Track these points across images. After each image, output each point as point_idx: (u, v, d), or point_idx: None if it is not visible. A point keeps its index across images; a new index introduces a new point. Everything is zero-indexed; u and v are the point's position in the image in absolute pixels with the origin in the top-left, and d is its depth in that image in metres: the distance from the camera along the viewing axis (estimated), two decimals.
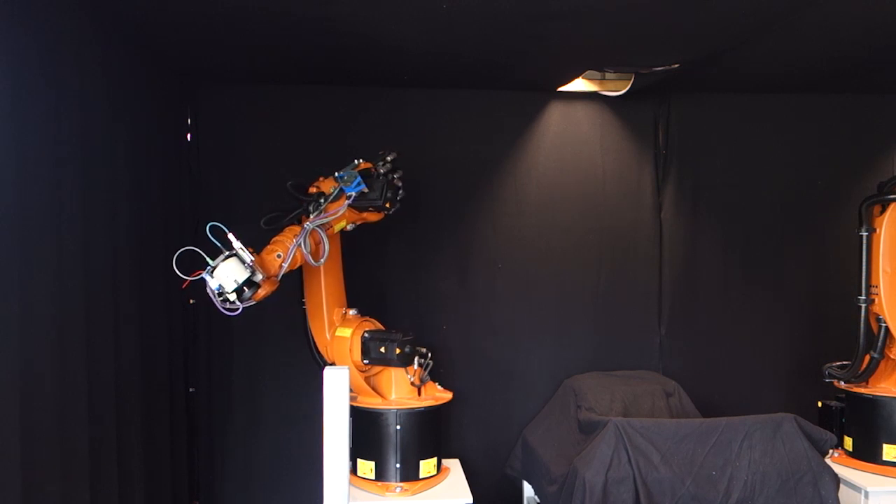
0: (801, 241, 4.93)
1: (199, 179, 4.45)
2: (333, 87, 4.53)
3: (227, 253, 3.03)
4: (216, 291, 3.03)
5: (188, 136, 4.42)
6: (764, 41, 3.60)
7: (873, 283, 3.98)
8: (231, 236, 3.06)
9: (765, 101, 4.86)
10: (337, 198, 3.55)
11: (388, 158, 3.70)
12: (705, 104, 4.86)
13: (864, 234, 3.99)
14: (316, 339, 3.90)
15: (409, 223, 4.58)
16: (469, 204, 4.71)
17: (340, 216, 3.58)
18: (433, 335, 4.55)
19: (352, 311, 3.90)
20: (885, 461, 3.94)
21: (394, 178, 3.68)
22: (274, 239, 3.41)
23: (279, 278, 3.31)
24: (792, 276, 4.93)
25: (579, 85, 4.62)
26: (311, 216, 3.47)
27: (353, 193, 3.52)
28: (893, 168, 4.93)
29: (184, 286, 3.01)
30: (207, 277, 3.00)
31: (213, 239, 3.02)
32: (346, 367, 3.35)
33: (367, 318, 3.92)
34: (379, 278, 4.59)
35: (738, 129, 4.91)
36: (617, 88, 4.66)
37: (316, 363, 3.94)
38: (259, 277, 3.08)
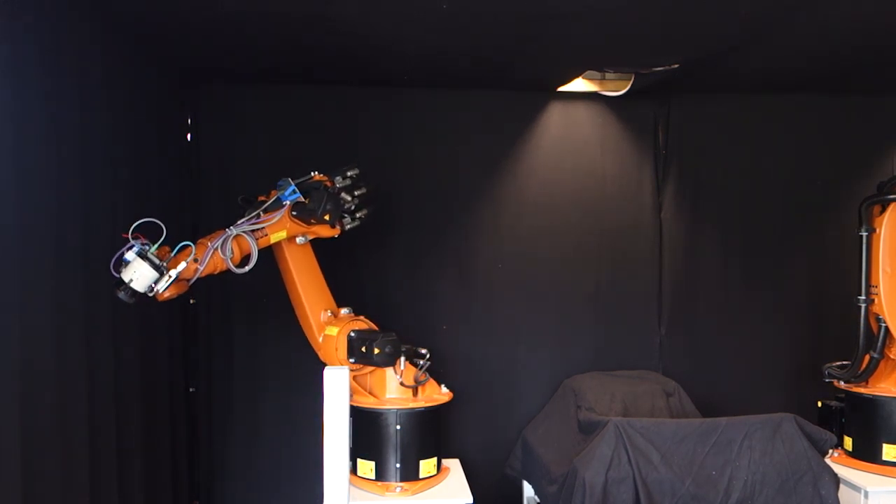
0: (801, 241, 4.94)
1: (199, 179, 4.45)
2: (333, 87, 4.53)
3: (162, 265, 3.02)
4: (120, 259, 3.00)
5: (188, 136, 4.42)
6: (764, 41, 3.61)
7: (873, 283, 3.98)
8: (181, 265, 3.07)
9: (765, 101, 4.86)
10: (275, 206, 3.49)
11: (348, 174, 3.67)
12: (705, 104, 4.86)
13: (864, 234, 3.99)
14: (310, 341, 3.90)
15: (409, 223, 4.59)
16: (469, 204, 4.71)
17: (276, 224, 3.49)
18: (433, 335, 4.55)
19: (344, 310, 3.89)
20: (884, 461, 3.94)
21: (341, 193, 3.63)
22: (199, 240, 3.34)
23: (191, 283, 3.26)
24: (792, 276, 4.93)
25: (579, 85, 4.62)
26: (239, 221, 3.41)
27: (288, 202, 3.46)
28: (893, 168, 4.93)
29: (122, 235, 2.98)
30: (134, 251, 2.98)
31: (176, 247, 3.09)
32: (346, 367, 3.35)
33: (359, 317, 3.91)
34: (379, 278, 4.59)
35: (738, 129, 4.91)
36: (617, 88, 4.66)
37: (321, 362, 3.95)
38: (148, 294, 3.06)
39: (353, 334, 3.74)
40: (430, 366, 3.84)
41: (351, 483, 3.31)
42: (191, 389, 4.40)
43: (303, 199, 3.50)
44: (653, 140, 4.85)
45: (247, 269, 3.38)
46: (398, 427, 3.71)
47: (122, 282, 2.99)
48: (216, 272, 3.35)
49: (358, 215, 3.80)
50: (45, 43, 2.62)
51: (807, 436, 3.57)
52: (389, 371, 3.80)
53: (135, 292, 3.01)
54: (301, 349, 4.01)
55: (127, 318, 3.30)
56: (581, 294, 4.78)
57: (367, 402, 3.78)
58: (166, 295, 3.15)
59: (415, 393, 3.83)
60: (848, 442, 4.15)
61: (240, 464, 4.52)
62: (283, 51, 3.77)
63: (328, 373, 3.11)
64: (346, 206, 3.69)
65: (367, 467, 3.75)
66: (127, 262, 2.99)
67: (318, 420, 3.12)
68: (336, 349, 3.73)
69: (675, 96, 4.81)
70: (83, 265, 2.87)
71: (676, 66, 4.00)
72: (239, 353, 4.52)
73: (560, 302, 4.76)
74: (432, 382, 3.93)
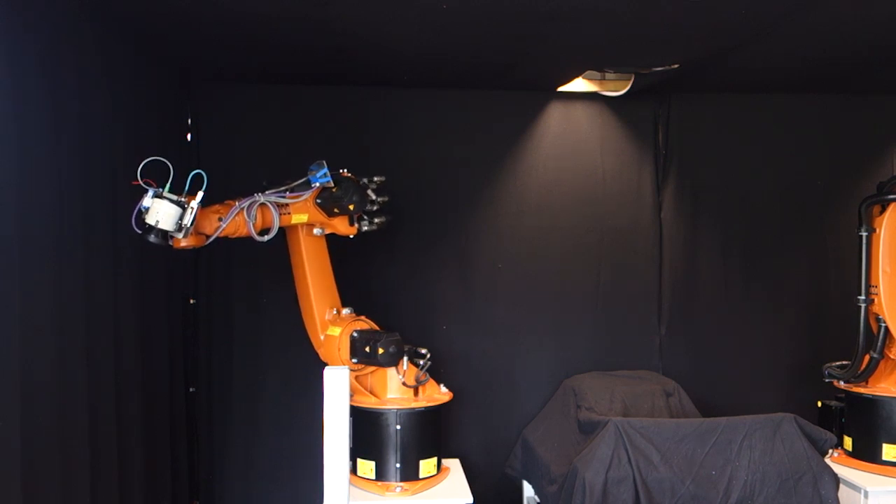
0: (801, 241, 4.94)
1: None
2: (333, 87, 4.53)
3: (182, 200, 3.04)
4: (141, 208, 3.01)
5: (188, 136, 4.42)
6: (764, 42, 3.61)
7: (873, 283, 3.98)
8: (199, 195, 3.08)
9: (765, 101, 4.86)
10: (303, 187, 3.57)
11: (375, 178, 3.79)
12: (705, 104, 4.86)
13: (864, 234, 3.99)
14: (311, 339, 3.90)
15: (409, 223, 4.58)
16: (469, 204, 4.71)
17: (301, 203, 3.56)
18: (433, 335, 4.55)
19: (346, 310, 3.90)
20: (884, 461, 3.94)
21: (367, 190, 3.73)
22: (225, 201, 3.38)
23: (210, 240, 3.28)
24: (792, 276, 4.93)
25: (579, 85, 4.62)
26: (267, 192, 3.47)
27: (317, 185, 3.53)
28: (893, 168, 4.93)
29: (132, 182, 2.99)
30: (149, 194, 2.99)
31: (188, 180, 3.05)
32: (347, 367, 3.35)
33: (361, 317, 3.92)
34: (380, 278, 4.59)
35: (739, 129, 4.91)
36: (617, 88, 4.66)
37: (321, 362, 3.95)
38: (179, 236, 3.08)
39: (355, 334, 3.74)
40: (429, 366, 3.85)
41: (351, 483, 3.31)
42: (191, 389, 4.40)
43: (332, 185, 3.56)
44: (653, 140, 4.85)
45: (266, 238, 3.43)
46: (398, 427, 3.71)
47: (151, 229, 3.01)
48: (234, 236, 3.37)
49: (376, 220, 3.87)
50: (45, 43, 2.62)
51: (807, 436, 3.57)
52: (391, 371, 3.81)
53: (164, 233, 3.03)
54: (301, 349, 4.02)
55: (127, 319, 3.30)
56: (581, 294, 4.78)
57: (367, 402, 3.78)
58: (184, 244, 3.16)
59: (416, 393, 3.83)
60: (848, 442, 4.15)
61: (240, 464, 4.52)
62: (282, 51, 3.77)
63: (328, 373, 3.11)
64: (369, 205, 3.77)
65: (367, 467, 3.76)
66: (147, 209, 3.00)
67: (318, 420, 3.12)
68: (339, 349, 3.73)
69: (675, 96, 4.81)
70: (83, 265, 2.87)
71: (676, 66, 4.00)
72: (239, 353, 4.52)
73: (560, 302, 4.76)
74: (432, 382, 3.93)
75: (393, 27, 3.36)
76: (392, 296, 4.60)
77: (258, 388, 4.52)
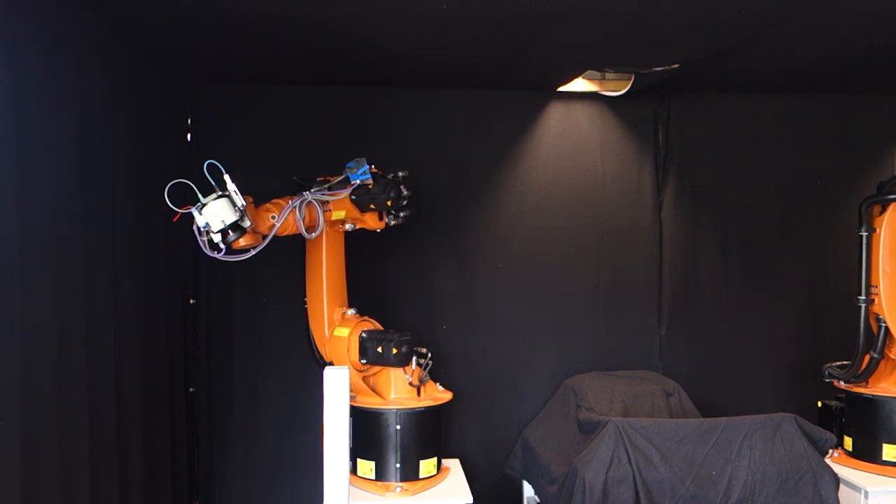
0: (801, 241, 4.94)
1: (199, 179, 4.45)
2: (333, 87, 4.53)
3: (220, 193, 3.05)
4: (202, 229, 3.03)
5: (188, 136, 4.42)
6: (764, 42, 3.61)
7: (873, 283, 3.98)
8: (227, 177, 3.09)
9: (765, 101, 4.86)
10: (342, 184, 3.65)
11: (400, 174, 3.83)
12: (705, 104, 4.86)
13: (864, 234, 3.99)
14: (315, 338, 3.91)
15: (409, 223, 4.57)
16: (469, 204, 4.71)
17: (340, 201, 3.65)
18: (433, 335, 4.55)
19: (350, 311, 3.90)
20: (884, 461, 3.94)
21: (400, 185, 3.79)
22: (273, 200, 3.44)
23: (266, 240, 3.30)
24: (792, 276, 4.93)
25: (579, 85, 4.62)
26: (312, 190, 3.56)
27: (357, 181, 3.60)
28: (893, 168, 4.93)
29: (175, 219, 3.00)
30: (196, 213, 3.02)
31: (208, 177, 3.04)
32: (346, 367, 3.35)
33: (366, 317, 3.92)
34: (380, 278, 4.59)
35: (739, 129, 4.91)
36: (617, 88, 4.66)
37: (316, 362, 3.95)
38: (247, 224, 3.11)
39: (364, 335, 3.75)
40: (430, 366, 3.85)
41: (351, 483, 3.31)
42: (191, 389, 4.40)
43: (370, 182, 3.63)
44: (653, 140, 4.85)
45: (313, 235, 3.53)
46: (398, 427, 3.71)
47: (225, 235, 3.04)
48: (283, 234, 3.41)
49: (402, 214, 3.92)
50: (45, 43, 2.62)
51: (807, 436, 3.57)
52: (398, 371, 3.81)
53: (234, 225, 3.05)
54: (301, 349, 4.02)
55: (127, 318, 3.30)
56: (581, 294, 4.78)
57: (367, 403, 3.78)
58: (243, 243, 3.18)
59: (419, 393, 3.83)
60: (848, 442, 4.15)
61: (240, 464, 4.52)
62: (282, 51, 3.77)
63: (328, 373, 3.11)
64: (402, 200, 3.82)
65: (367, 467, 3.76)
66: (206, 225, 3.02)
67: (318, 420, 3.12)
68: (348, 350, 3.73)
69: (675, 96, 4.81)
70: (83, 265, 2.87)
71: (676, 66, 4.00)
72: (239, 353, 4.52)
73: (560, 302, 4.76)
74: (430, 382, 3.94)
75: (393, 27, 3.36)
76: (392, 296, 4.60)
77: (258, 388, 4.52)
